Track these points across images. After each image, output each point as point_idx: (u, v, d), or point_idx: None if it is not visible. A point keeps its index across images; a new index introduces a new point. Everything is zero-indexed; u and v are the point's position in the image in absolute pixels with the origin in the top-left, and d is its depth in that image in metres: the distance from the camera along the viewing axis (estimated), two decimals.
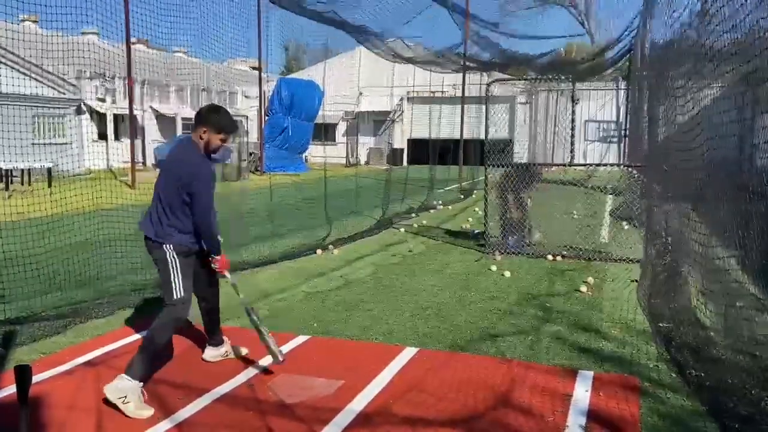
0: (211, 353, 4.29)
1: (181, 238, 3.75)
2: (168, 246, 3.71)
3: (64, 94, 22.33)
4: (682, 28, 4.68)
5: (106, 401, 3.47)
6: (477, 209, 12.50)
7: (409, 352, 4.42)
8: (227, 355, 4.31)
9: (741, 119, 3.76)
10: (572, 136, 9.19)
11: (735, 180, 4.24)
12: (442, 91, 29.13)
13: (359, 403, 3.59)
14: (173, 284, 3.69)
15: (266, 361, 4.19)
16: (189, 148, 3.78)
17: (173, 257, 3.71)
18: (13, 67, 18.20)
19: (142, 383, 3.53)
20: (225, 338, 4.36)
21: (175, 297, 3.68)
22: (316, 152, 30.04)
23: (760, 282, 4.79)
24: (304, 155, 27.15)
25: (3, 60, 17.74)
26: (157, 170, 3.97)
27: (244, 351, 4.37)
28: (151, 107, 25.55)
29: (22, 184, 16.64)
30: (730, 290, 4.18)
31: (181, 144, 3.91)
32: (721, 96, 3.89)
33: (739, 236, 3.76)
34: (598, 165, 11.08)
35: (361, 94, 31.66)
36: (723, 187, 4.08)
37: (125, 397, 3.42)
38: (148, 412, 3.42)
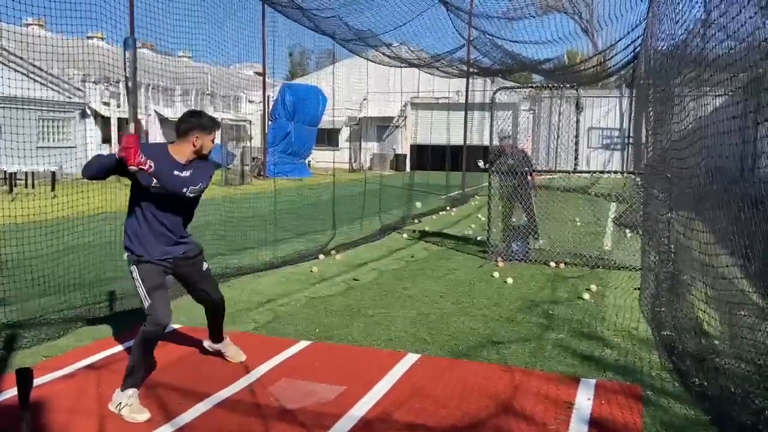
0: (208, 343, 4.37)
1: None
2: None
3: (69, 97, 22.43)
4: (685, 36, 4.69)
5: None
6: (480, 215, 12.50)
7: (410, 359, 4.41)
8: (224, 355, 4.31)
9: (742, 128, 3.76)
10: (576, 143, 9.20)
11: (737, 189, 4.24)
12: (447, 98, 29.19)
13: (361, 409, 3.59)
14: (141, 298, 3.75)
15: (267, 366, 4.18)
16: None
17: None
18: (18, 71, 18.29)
19: (136, 389, 3.52)
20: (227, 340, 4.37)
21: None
22: (319, 157, 30.11)
23: (763, 290, 4.78)
24: (307, 160, 27.21)
25: (9, 63, 17.83)
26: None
27: (242, 357, 4.33)
28: (155, 111, 25.63)
29: (26, 187, 16.70)
30: (733, 299, 4.17)
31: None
32: (722, 105, 3.89)
33: (741, 245, 3.75)
34: (601, 172, 11.09)
35: (365, 99, 31.73)
36: (725, 196, 4.07)
37: (120, 404, 3.46)
38: (144, 416, 3.42)
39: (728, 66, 3.60)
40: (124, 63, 3.53)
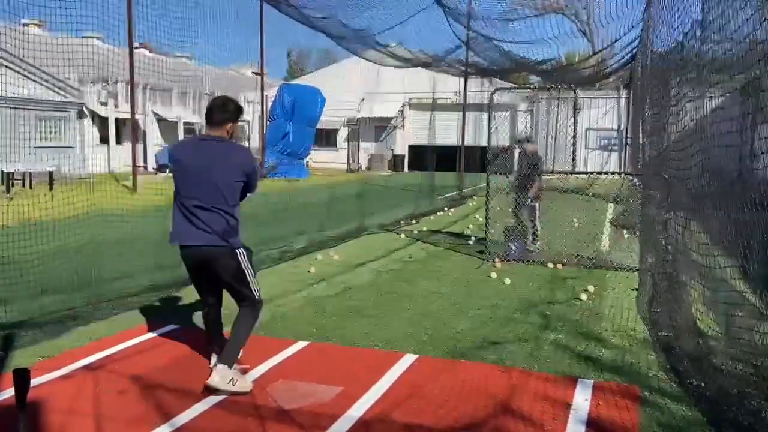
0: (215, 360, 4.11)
1: (239, 235, 3.89)
2: (240, 251, 3.83)
3: (66, 97, 22.39)
4: (682, 38, 4.70)
5: (208, 389, 3.69)
6: (478, 216, 12.50)
7: (408, 359, 4.41)
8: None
9: (740, 129, 3.77)
10: (574, 144, 9.22)
11: (735, 190, 4.25)
12: (446, 99, 29.20)
13: (358, 409, 3.58)
14: (252, 286, 3.88)
15: (265, 367, 4.18)
16: (225, 142, 3.89)
17: (246, 259, 3.87)
18: (16, 71, 18.26)
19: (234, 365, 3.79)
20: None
21: (257, 296, 3.92)
22: (317, 158, 30.08)
23: (761, 291, 4.79)
24: (305, 160, 27.20)
25: (6, 63, 17.79)
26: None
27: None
28: (153, 111, 25.60)
29: (24, 187, 16.67)
30: (730, 300, 4.17)
31: (213, 141, 3.87)
32: (720, 105, 3.90)
33: (739, 246, 3.76)
34: (599, 173, 11.08)
35: (363, 100, 31.72)
36: (723, 197, 4.08)
37: (232, 379, 3.74)
38: (250, 384, 3.83)
39: (726, 68, 3.61)
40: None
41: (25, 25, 18.96)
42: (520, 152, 8.53)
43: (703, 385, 3.87)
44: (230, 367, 3.75)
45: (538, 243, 8.60)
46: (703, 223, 4.48)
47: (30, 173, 17.13)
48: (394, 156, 31.10)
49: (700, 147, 4.10)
